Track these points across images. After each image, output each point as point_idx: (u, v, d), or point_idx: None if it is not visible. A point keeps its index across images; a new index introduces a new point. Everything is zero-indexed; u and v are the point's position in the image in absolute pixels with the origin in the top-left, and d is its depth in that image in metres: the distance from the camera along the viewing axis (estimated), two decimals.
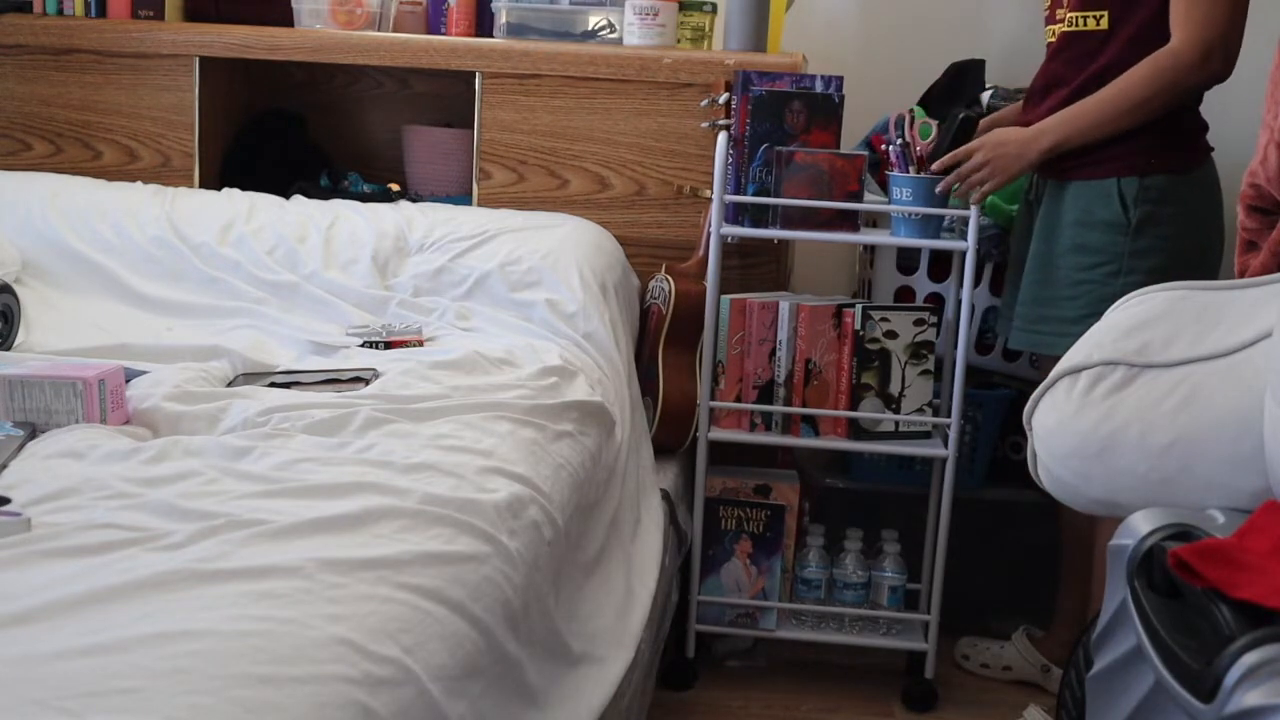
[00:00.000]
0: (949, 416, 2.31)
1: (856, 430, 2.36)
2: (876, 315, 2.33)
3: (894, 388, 2.34)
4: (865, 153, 2.31)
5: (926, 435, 2.37)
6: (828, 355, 2.34)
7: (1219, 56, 2.03)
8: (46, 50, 2.66)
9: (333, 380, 1.95)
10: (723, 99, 2.37)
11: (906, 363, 2.34)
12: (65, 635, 1.07)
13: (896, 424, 2.35)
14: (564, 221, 2.50)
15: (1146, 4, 2.10)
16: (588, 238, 2.45)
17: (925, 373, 2.34)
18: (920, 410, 2.35)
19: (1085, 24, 2.16)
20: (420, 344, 2.17)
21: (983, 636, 2.57)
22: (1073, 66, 2.18)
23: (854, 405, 2.34)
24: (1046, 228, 2.22)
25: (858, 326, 2.31)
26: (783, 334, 2.33)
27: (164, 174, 2.66)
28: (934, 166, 2.20)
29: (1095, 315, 2.08)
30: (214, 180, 2.70)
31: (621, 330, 2.34)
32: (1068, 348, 2.12)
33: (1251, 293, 1.52)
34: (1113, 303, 2.07)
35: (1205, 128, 2.18)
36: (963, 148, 2.19)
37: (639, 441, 2.24)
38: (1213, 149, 2.19)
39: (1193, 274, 1.79)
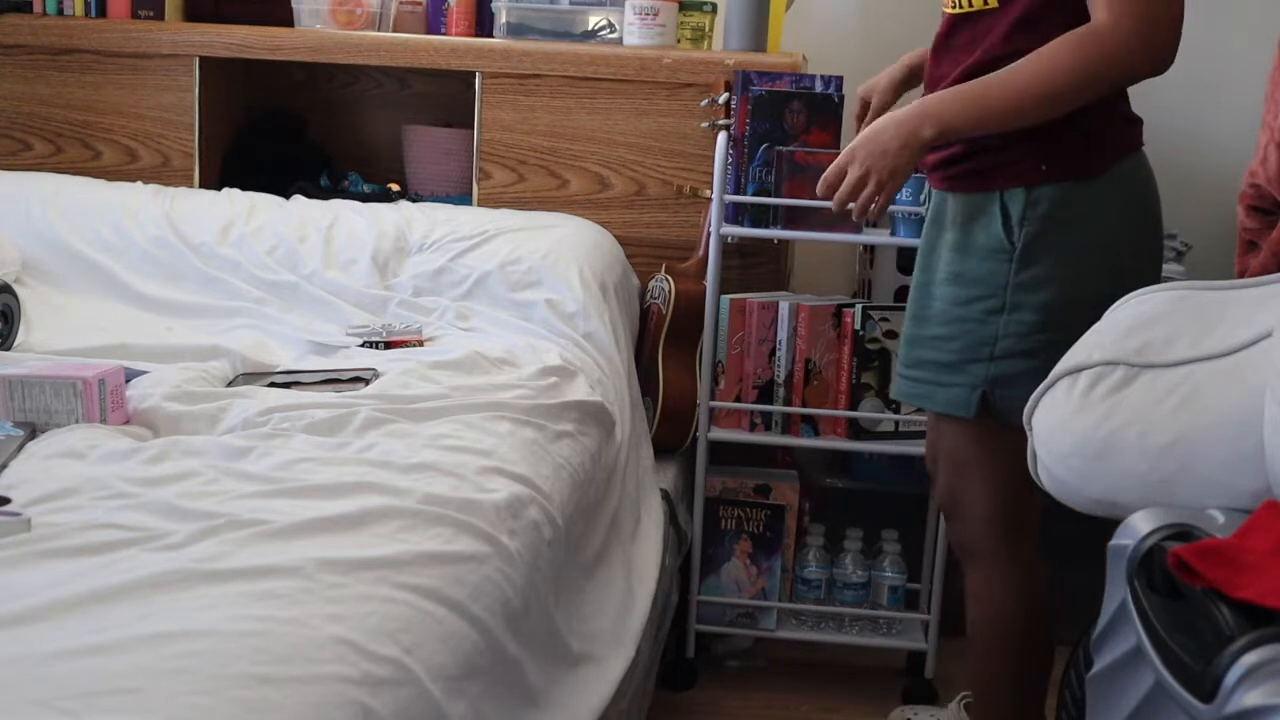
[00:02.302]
0: None
1: (856, 430, 2.36)
2: (876, 315, 2.33)
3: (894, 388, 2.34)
4: None
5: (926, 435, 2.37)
6: (828, 355, 2.34)
7: (1163, 41, 1.59)
8: (46, 50, 2.66)
9: (333, 380, 1.95)
10: (722, 99, 2.38)
11: None
12: (65, 635, 1.07)
13: (896, 424, 2.35)
14: (564, 222, 2.50)
15: None
16: (587, 238, 2.46)
17: None
18: (920, 410, 2.35)
19: (971, 4, 1.74)
20: (420, 344, 2.17)
21: (917, 705, 2.38)
22: (958, 55, 1.76)
23: (854, 405, 2.34)
24: (925, 250, 1.83)
25: (858, 326, 2.32)
26: (783, 334, 2.34)
27: (164, 174, 2.66)
28: (819, 192, 1.78)
29: (974, 361, 1.74)
30: (214, 180, 2.70)
31: (621, 330, 2.34)
32: (945, 400, 1.79)
33: (1252, 292, 1.52)
34: (994, 346, 1.72)
35: (1129, 118, 1.75)
36: (833, 164, 1.74)
37: (639, 441, 2.24)
38: (1142, 144, 1.76)
39: (1103, 305, 1.51)
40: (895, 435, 2.36)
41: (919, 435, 2.36)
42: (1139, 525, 1.36)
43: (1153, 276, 1.74)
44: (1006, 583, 1.87)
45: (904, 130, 1.68)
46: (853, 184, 1.71)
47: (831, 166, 1.74)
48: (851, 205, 1.73)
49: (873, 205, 1.71)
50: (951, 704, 2.31)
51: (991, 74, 1.66)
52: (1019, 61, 1.63)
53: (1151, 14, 1.57)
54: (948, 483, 1.89)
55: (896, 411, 2.34)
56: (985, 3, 1.71)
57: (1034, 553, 1.90)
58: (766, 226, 2.33)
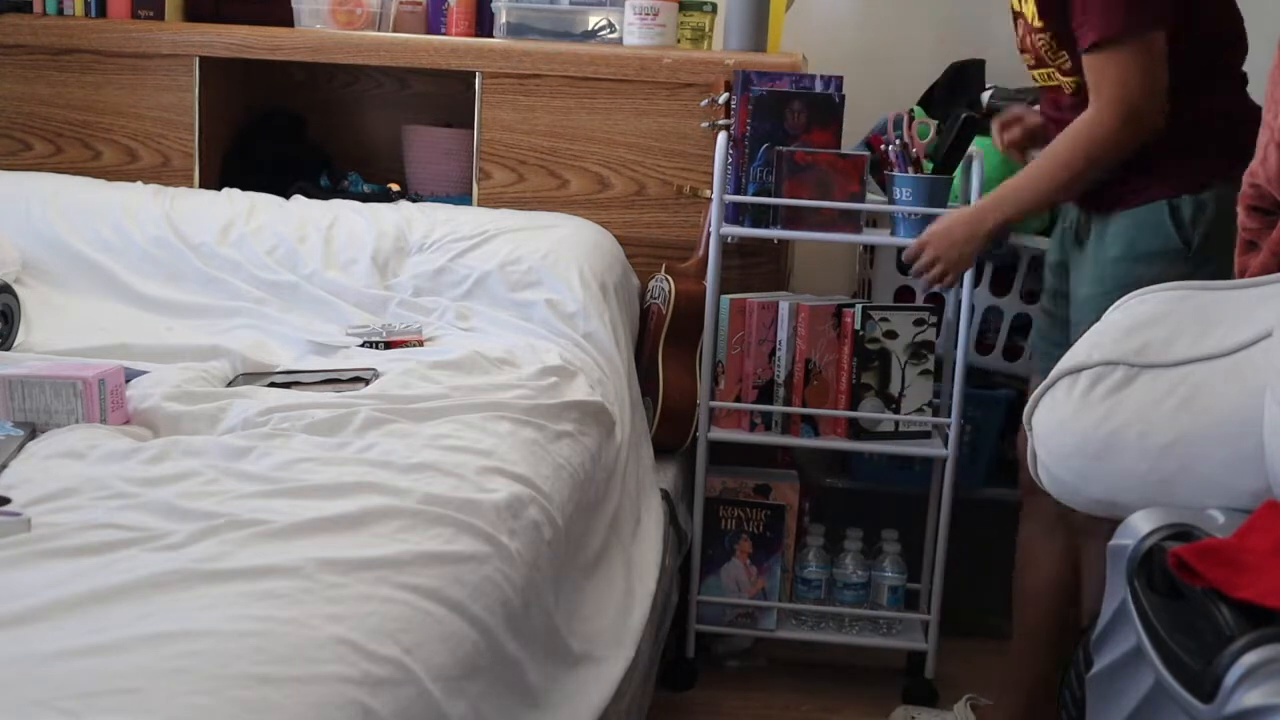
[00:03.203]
0: (949, 416, 2.31)
1: (856, 430, 2.36)
2: (876, 315, 2.33)
3: (894, 388, 2.34)
4: (867, 153, 2.31)
5: (926, 435, 2.37)
6: (828, 355, 2.34)
7: (1142, 113, 1.86)
8: (46, 50, 2.66)
9: (333, 380, 1.95)
10: (722, 99, 2.38)
11: (906, 363, 2.34)
12: (65, 635, 1.07)
13: (896, 424, 2.35)
14: (564, 222, 2.50)
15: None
16: (587, 238, 2.46)
17: (925, 373, 2.34)
18: (920, 410, 2.35)
19: (1053, 78, 2.00)
20: (420, 344, 2.17)
21: (920, 705, 2.38)
22: (1064, 118, 1.99)
23: (854, 405, 2.34)
24: (1096, 270, 1.98)
25: (858, 326, 2.31)
26: (783, 334, 2.33)
27: (164, 174, 2.66)
28: (904, 258, 2.18)
29: None
30: (214, 180, 2.70)
31: (621, 330, 2.34)
32: None
33: (1252, 293, 1.52)
34: None
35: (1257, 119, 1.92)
36: (912, 245, 2.14)
37: (639, 441, 2.24)
38: None
39: None
40: (895, 435, 2.36)
41: (919, 435, 2.37)
42: (1139, 525, 1.36)
43: None
44: None
45: (970, 226, 2.06)
46: (925, 265, 2.12)
47: (913, 244, 2.14)
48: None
49: (943, 281, 2.13)
50: (957, 704, 2.31)
51: (1026, 168, 2.02)
52: (1043, 154, 1.98)
53: (1122, 96, 1.85)
54: None
55: (896, 411, 2.34)
56: (1064, 76, 1.96)
57: None
58: (766, 226, 2.33)
